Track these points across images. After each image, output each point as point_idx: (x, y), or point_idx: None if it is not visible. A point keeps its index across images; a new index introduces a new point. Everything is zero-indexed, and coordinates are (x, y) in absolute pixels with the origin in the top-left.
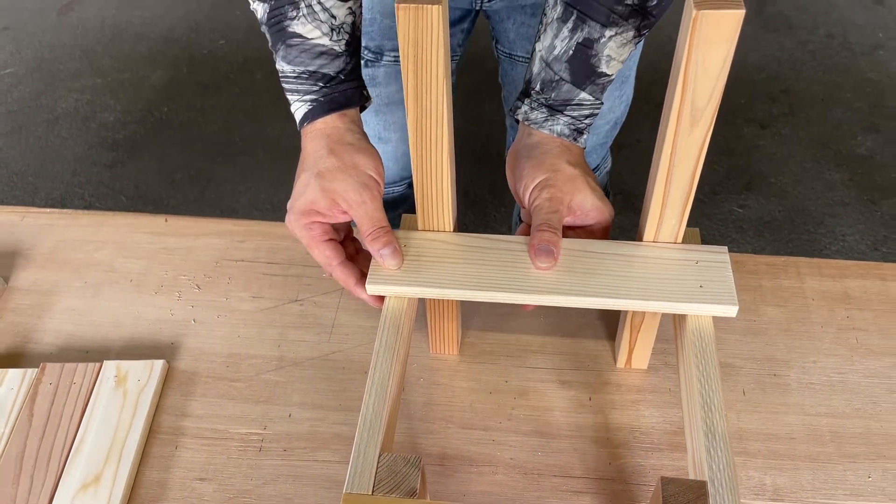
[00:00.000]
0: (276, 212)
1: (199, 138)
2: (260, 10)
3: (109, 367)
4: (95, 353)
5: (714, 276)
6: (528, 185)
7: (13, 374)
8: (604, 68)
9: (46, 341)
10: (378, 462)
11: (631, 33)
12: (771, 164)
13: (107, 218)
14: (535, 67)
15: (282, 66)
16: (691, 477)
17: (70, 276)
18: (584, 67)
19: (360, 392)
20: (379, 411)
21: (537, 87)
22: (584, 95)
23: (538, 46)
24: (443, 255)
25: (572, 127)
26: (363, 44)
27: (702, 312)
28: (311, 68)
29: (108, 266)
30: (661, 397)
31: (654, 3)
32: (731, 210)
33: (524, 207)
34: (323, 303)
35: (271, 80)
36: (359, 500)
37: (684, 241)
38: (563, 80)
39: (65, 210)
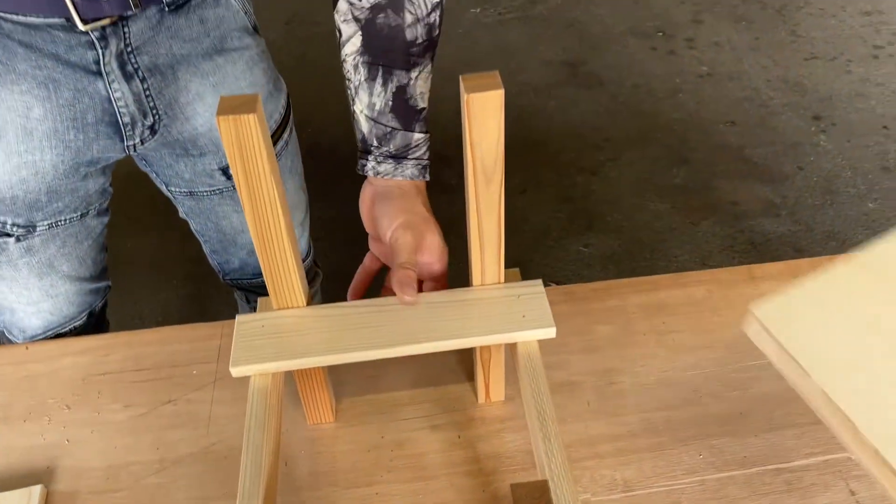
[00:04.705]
0: (134, 322)
1: None
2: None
3: None
4: None
5: (533, 305)
6: (389, 224)
7: None
8: (421, 104)
9: None
10: None
11: (429, 66)
12: (605, 204)
13: None
14: (364, 127)
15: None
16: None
17: None
18: (406, 112)
19: None
20: (255, 486)
21: (374, 143)
22: (417, 136)
23: (357, 108)
24: (299, 328)
25: (419, 167)
26: (7, 221)
27: (527, 338)
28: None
29: None
30: (520, 422)
31: (437, 32)
32: (578, 250)
33: (382, 240)
34: (196, 398)
35: None
36: None
37: (508, 280)
38: (395, 128)
39: None
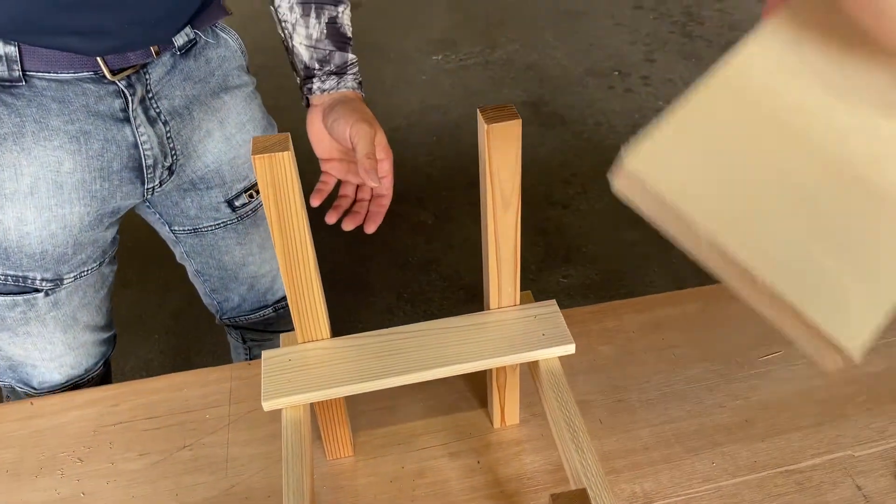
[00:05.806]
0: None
1: None
2: None
3: None
4: None
5: (551, 324)
6: (346, 124)
7: None
8: (349, 33)
9: None
10: None
11: (349, 1)
12: (579, 236)
13: None
14: (305, 55)
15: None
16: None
17: None
18: (339, 37)
19: None
20: None
21: (316, 66)
22: (349, 56)
23: (296, 41)
24: (325, 359)
25: (356, 80)
26: (36, 277)
27: (548, 356)
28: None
29: None
30: (537, 443)
31: None
32: (558, 281)
33: (339, 142)
34: (212, 442)
35: None
36: None
37: (521, 302)
38: (332, 51)
39: None
